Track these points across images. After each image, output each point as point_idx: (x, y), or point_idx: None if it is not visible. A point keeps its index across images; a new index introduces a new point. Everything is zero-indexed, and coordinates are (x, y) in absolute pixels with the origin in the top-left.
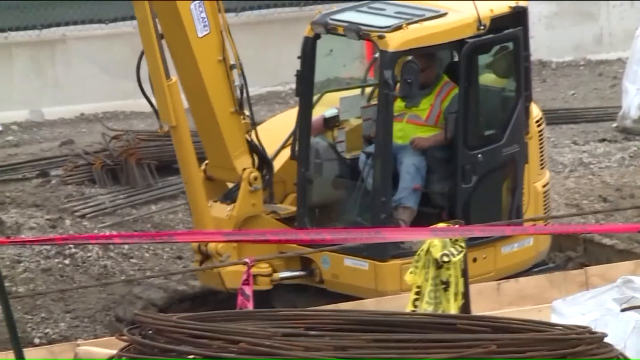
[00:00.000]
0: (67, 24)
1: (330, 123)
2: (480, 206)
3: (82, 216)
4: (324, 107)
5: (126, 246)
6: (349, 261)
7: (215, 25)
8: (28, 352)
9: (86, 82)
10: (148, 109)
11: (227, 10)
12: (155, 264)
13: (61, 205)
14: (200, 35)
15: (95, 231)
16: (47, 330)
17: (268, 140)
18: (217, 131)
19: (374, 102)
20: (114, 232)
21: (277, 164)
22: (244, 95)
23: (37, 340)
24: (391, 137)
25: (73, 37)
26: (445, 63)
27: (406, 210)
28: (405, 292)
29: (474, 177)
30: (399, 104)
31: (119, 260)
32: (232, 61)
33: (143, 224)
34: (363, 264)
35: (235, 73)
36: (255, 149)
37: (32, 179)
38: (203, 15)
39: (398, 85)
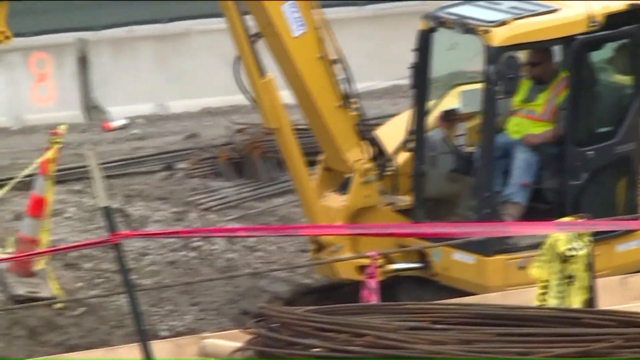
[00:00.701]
0: (191, 17)
1: (450, 116)
2: (591, 203)
3: (207, 209)
4: (454, 100)
5: (251, 239)
6: (457, 255)
7: (311, 23)
8: (154, 345)
9: (210, 75)
10: None
11: (349, 4)
12: (280, 257)
13: (186, 198)
14: (295, 35)
15: (221, 224)
16: (173, 323)
17: (396, 134)
18: (324, 126)
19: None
20: (239, 225)
21: (402, 157)
22: (350, 88)
23: (163, 333)
24: (494, 132)
25: (197, 31)
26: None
27: (514, 206)
28: (511, 287)
29: (583, 174)
30: (517, 98)
31: (244, 253)
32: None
33: (267, 217)
34: (469, 258)
35: (338, 67)
36: (369, 141)
37: (157, 172)
38: (297, 15)
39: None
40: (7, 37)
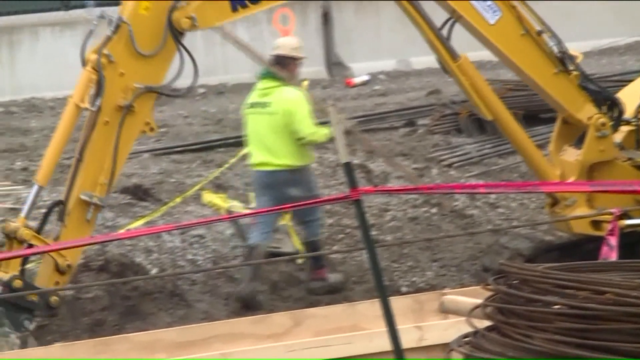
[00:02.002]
0: None
1: None
2: None
3: (449, 165)
4: None
5: (492, 196)
6: None
7: (505, 4)
8: (394, 301)
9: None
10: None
11: None
12: (522, 214)
13: (428, 155)
14: (492, 22)
15: (462, 180)
16: (414, 279)
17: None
18: (547, 94)
19: None
20: (480, 182)
21: None
22: (563, 50)
23: (403, 289)
24: None
25: None
26: None
27: None
28: None
29: None
30: None
31: (485, 210)
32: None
33: (509, 174)
34: None
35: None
36: (598, 95)
37: (399, 128)
38: (489, 3)
39: None
40: (151, 129)
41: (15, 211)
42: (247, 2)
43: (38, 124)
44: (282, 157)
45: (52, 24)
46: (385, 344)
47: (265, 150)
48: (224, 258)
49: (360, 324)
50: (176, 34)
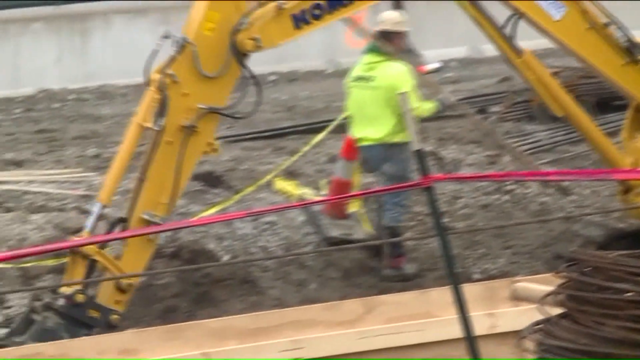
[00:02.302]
0: None
1: None
2: None
3: (521, 153)
4: None
5: (565, 183)
6: None
7: (569, 1)
8: (466, 288)
9: None
10: None
11: None
12: (594, 201)
13: (500, 142)
14: (557, 18)
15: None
16: (485, 266)
17: None
18: (617, 85)
19: None
20: (552, 169)
21: None
22: (631, 40)
23: (475, 276)
24: None
25: None
26: None
27: None
28: None
29: None
30: None
31: (557, 197)
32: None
33: (581, 161)
34: None
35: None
36: None
37: (471, 115)
38: None
39: None
40: (214, 150)
41: (87, 198)
42: (309, 19)
43: (110, 111)
44: (381, 132)
45: (124, 11)
46: (456, 332)
47: (366, 124)
48: (296, 245)
49: (432, 311)
50: (240, 56)
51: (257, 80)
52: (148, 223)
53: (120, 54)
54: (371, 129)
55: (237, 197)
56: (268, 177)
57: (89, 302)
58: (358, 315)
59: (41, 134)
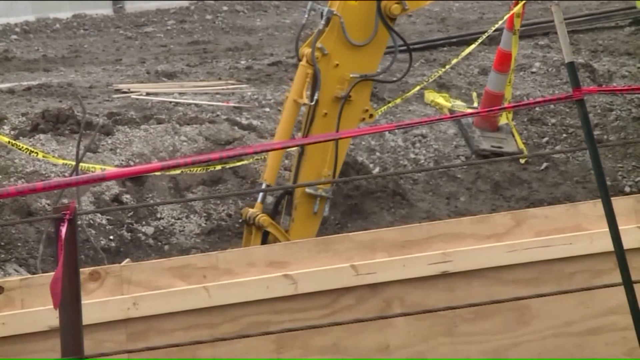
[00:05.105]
0: None
1: None
2: None
3: None
4: None
5: None
6: None
7: None
8: (617, 201)
9: None
10: None
11: None
12: None
13: None
14: None
15: None
16: (637, 179)
17: None
18: None
19: None
20: None
21: None
22: None
23: (627, 189)
24: None
25: None
26: None
27: None
28: None
29: None
30: None
31: None
32: None
33: None
34: None
35: None
36: None
37: (624, 27)
38: None
39: None
40: (371, 116)
41: (238, 110)
42: None
43: (262, 22)
44: None
45: None
46: (606, 245)
47: None
48: (446, 158)
49: (582, 224)
50: (387, 20)
51: (406, 44)
52: (312, 197)
53: None
54: None
55: (384, 108)
56: (419, 88)
57: None
58: (507, 229)
59: (194, 46)
